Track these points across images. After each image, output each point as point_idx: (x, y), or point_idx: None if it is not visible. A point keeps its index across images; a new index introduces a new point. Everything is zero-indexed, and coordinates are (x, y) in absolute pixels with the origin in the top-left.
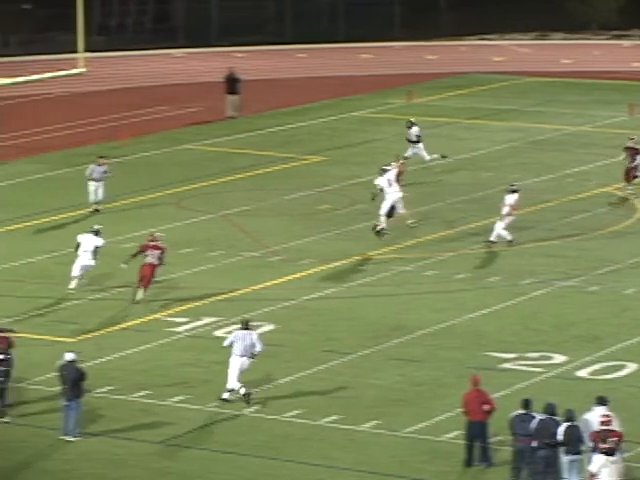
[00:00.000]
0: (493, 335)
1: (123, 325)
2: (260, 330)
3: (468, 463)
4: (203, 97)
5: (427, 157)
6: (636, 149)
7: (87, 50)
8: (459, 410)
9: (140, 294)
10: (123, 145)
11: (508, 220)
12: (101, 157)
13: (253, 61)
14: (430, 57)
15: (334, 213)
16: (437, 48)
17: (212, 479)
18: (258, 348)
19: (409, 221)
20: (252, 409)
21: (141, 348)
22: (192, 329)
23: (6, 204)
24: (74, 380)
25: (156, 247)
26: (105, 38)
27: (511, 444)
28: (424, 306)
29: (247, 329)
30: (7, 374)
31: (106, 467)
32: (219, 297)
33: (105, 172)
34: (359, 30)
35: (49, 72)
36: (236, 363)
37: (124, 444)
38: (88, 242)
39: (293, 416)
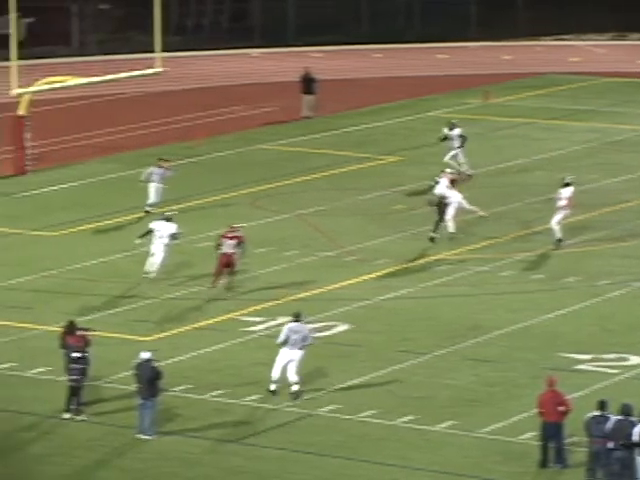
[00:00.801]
0: (570, 336)
1: (198, 324)
2: (334, 330)
3: (543, 464)
4: (278, 97)
5: (446, 157)
6: None
7: (164, 50)
8: (534, 411)
9: (224, 279)
10: (198, 145)
11: (563, 213)
12: (161, 159)
13: (329, 61)
14: (506, 57)
15: (409, 213)
16: (513, 48)
17: (288, 479)
18: (309, 340)
19: (480, 213)
20: (327, 409)
21: (215, 348)
22: (267, 329)
23: (80, 204)
24: (150, 379)
25: (233, 237)
26: (181, 38)
27: (587, 445)
28: (500, 306)
29: (298, 321)
30: (84, 372)
31: (181, 466)
32: (294, 297)
33: (164, 172)
34: (435, 29)
35: (125, 72)
36: (287, 355)
37: (199, 443)
38: (161, 229)
39: (368, 416)
